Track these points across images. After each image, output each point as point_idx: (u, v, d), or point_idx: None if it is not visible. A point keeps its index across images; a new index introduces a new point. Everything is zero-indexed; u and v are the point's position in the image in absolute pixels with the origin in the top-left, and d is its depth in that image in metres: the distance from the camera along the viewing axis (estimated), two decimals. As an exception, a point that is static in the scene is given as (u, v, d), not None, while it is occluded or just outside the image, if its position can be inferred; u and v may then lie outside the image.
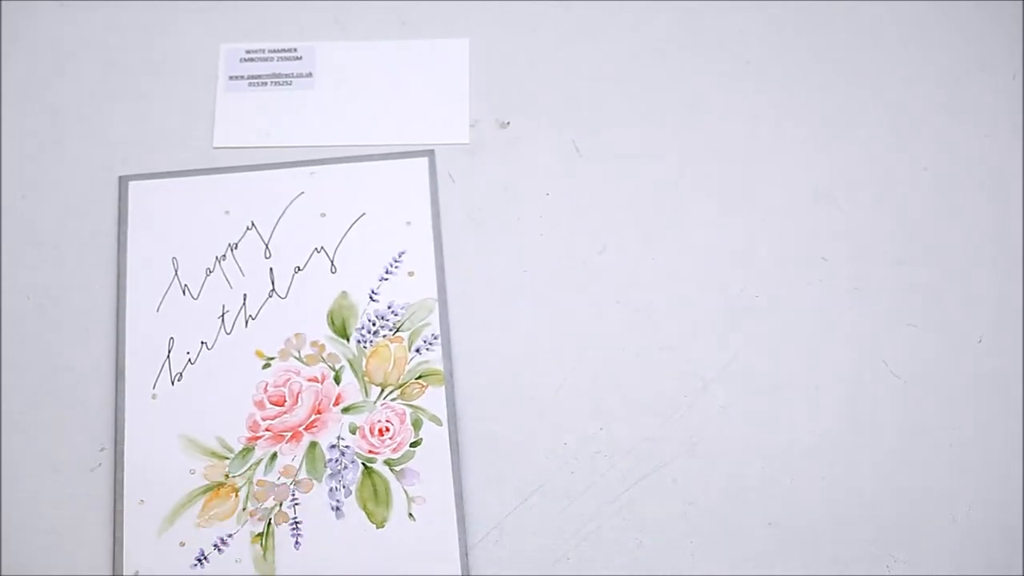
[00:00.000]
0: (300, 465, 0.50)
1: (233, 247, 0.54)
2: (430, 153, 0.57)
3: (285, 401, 0.51)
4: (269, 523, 0.48)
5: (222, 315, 0.53)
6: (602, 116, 0.58)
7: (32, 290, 0.54)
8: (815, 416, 0.51)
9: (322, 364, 0.52)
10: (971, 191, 0.56)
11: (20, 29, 0.60)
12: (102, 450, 0.50)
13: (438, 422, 0.50)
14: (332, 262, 0.54)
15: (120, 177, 0.56)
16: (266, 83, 0.59)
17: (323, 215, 0.55)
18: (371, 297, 0.53)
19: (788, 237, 0.55)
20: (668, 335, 0.53)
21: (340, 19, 0.60)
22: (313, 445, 0.50)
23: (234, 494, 0.49)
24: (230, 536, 0.48)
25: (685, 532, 0.49)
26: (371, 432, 0.50)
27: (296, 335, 0.52)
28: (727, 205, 0.56)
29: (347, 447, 0.50)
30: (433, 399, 0.51)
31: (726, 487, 0.50)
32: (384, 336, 0.52)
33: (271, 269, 0.54)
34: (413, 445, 0.50)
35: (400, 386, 0.51)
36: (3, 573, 0.48)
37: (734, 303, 0.54)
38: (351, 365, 0.52)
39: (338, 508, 0.49)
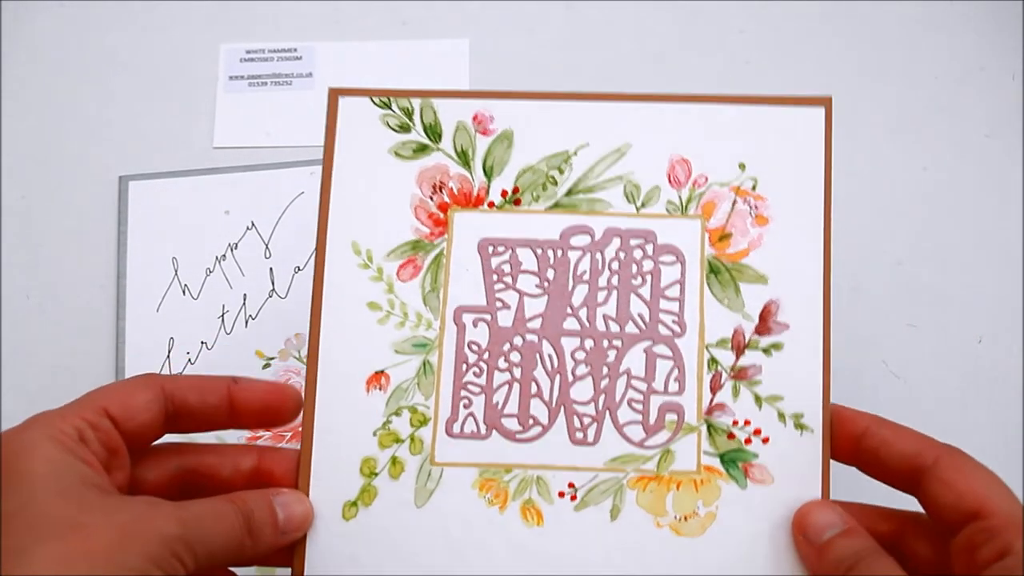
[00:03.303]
0: (300, 465, 0.49)
1: (233, 247, 0.54)
2: (430, 153, 0.57)
3: (285, 401, 0.51)
4: (269, 523, 0.48)
5: (222, 315, 0.53)
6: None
7: (32, 290, 0.54)
8: (815, 416, 0.51)
9: (322, 364, 0.52)
10: (971, 191, 0.56)
11: (20, 29, 0.60)
12: (102, 450, 0.50)
13: (438, 422, 0.50)
14: (332, 262, 0.54)
15: (120, 177, 0.56)
16: (266, 83, 0.59)
17: (323, 215, 0.55)
18: (371, 297, 0.53)
19: (788, 237, 0.55)
20: (668, 335, 0.53)
21: (340, 19, 0.60)
22: (313, 445, 0.50)
23: (234, 494, 0.49)
24: (230, 536, 0.48)
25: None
26: (371, 432, 0.50)
27: (296, 335, 0.52)
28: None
29: (347, 447, 0.50)
30: (433, 399, 0.51)
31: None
32: (384, 336, 0.52)
33: (271, 269, 0.54)
34: (413, 445, 0.50)
35: (400, 386, 0.51)
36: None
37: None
38: (351, 365, 0.52)
39: (338, 508, 0.49)
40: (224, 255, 0.54)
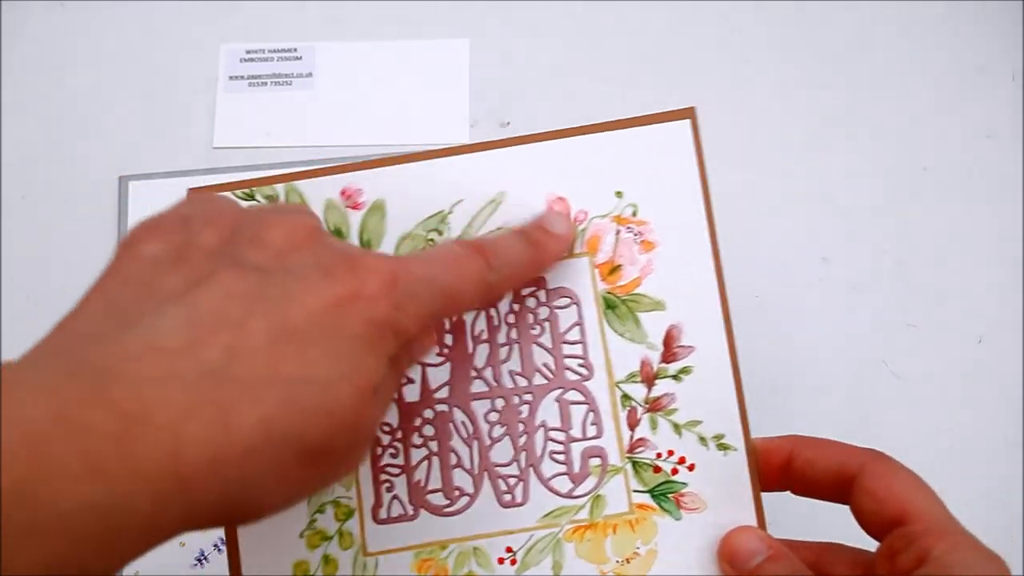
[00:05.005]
0: (300, 465, 0.49)
1: (233, 247, 0.54)
2: (430, 153, 0.56)
3: (285, 401, 0.51)
4: (269, 523, 0.48)
5: (222, 315, 0.53)
6: (602, 116, 0.58)
7: (32, 290, 0.54)
8: (815, 417, 0.51)
9: (322, 364, 0.51)
10: (971, 191, 0.56)
11: (20, 29, 0.60)
12: (102, 450, 0.50)
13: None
14: (332, 262, 0.54)
15: (120, 177, 0.56)
16: (266, 83, 0.59)
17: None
18: (371, 297, 0.53)
19: (788, 237, 0.55)
20: (668, 335, 0.53)
21: (340, 19, 0.60)
22: (313, 445, 0.50)
23: (234, 494, 0.49)
24: (230, 536, 0.48)
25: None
26: (370, 432, 0.50)
27: (296, 335, 0.52)
28: (727, 205, 0.56)
29: (346, 447, 0.50)
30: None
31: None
32: (384, 336, 0.52)
33: (271, 269, 0.54)
34: (413, 445, 0.50)
35: (399, 386, 0.51)
36: (3, 573, 0.48)
37: (735, 303, 0.53)
38: (350, 365, 0.51)
39: (338, 508, 0.49)
40: (224, 255, 0.54)
